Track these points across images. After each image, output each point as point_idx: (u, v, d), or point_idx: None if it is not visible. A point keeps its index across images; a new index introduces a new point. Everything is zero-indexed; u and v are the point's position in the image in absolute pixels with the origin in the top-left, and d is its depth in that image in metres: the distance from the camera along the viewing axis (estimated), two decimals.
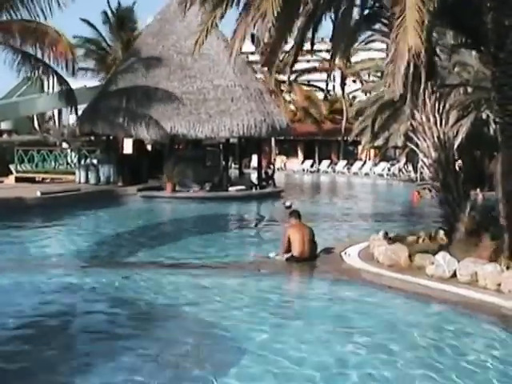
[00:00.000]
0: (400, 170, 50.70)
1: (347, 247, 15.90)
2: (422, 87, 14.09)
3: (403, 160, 46.15)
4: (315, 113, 62.06)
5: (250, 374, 8.10)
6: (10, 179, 34.02)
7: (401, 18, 11.14)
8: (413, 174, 46.13)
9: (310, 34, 15.74)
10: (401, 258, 13.53)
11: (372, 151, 57.90)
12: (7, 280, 13.41)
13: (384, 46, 42.33)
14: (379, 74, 49.79)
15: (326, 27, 15.39)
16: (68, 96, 31.63)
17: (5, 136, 48.38)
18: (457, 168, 14.73)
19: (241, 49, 14.33)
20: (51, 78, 30.47)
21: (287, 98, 60.54)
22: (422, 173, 40.55)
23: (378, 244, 14.55)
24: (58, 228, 21.96)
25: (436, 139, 14.42)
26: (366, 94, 48.22)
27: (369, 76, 61.35)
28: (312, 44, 16.41)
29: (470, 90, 27.61)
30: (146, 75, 33.95)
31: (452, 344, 9.21)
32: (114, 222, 23.95)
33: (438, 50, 16.39)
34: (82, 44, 45.47)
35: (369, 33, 21.71)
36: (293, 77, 58.94)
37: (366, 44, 53.39)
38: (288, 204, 28.39)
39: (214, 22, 14.32)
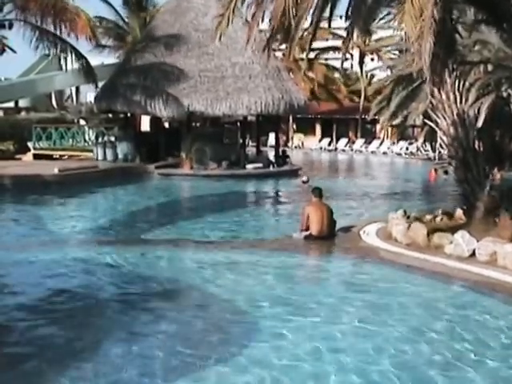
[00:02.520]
0: (418, 148, 50.46)
1: (365, 226, 15.86)
2: (441, 65, 13.95)
3: (421, 139, 45.89)
4: (333, 91, 61.80)
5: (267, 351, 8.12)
6: (28, 156, 34.15)
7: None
8: (431, 153, 45.91)
9: (328, 12, 15.61)
10: (419, 237, 13.49)
11: (390, 130, 57.57)
12: (25, 257, 13.49)
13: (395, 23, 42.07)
14: (397, 52, 49.41)
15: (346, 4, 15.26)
16: (87, 72, 31.63)
17: (23, 113, 48.48)
18: (476, 146, 14.57)
19: (258, 25, 14.23)
20: (69, 54, 30.50)
21: (305, 75, 60.13)
22: (440, 152, 40.54)
23: (397, 223, 14.47)
24: (76, 205, 22.08)
25: (456, 117, 14.30)
26: (390, 71, 47.94)
27: (385, 53, 60.82)
28: (330, 21, 16.27)
29: (490, 68, 27.35)
30: (164, 53, 33.85)
31: (473, 323, 9.19)
32: (132, 199, 24.01)
33: (458, 28, 16.22)
34: (101, 23, 45.32)
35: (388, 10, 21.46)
36: (312, 55, 58.63)
37: (385, 23, 53.07)
38: (305, 179, 28.59)
39: (235, 7, 14.22)
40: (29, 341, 8.55)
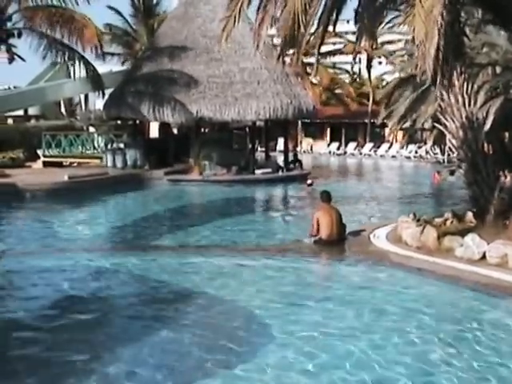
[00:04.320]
0: (427, 152, 50.37)
1: (375, 229, 15.85)
2: (450, 68, 13.95)
3: (430, 142, 45.82)
4: (342, 95, 61.82)
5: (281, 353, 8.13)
6: (38, 164, 34.25)
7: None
8: (440, 156, 45.84)
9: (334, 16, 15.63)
10: (429, 240, 13.46)
11: (399, 133, 57.48)
12: (36, 263, 13.54)
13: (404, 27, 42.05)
14: (405, 56, 49.39)
15: (352, 8, 15.29)
16: (95, 80, 31.77)
17: (32, 121, 48.62)
18: (485, 149, 14.56)
19: (267, 29, 14.26)
20: (78, 62, 30.63)
21: (313, 80, 60.16)
22: (449, 154, 40.45)
23: (406, 226, 14.46)
24: (86, 212, 22.13)
25: (465, 120, 14.30)
26: (398, 75, 47.83)
27: (395, 57, 60.80)
28: (335, 25, 16.28)
29: (498, 70, 27.33)
30: (172, 59, 33.92)
31: (485, 325, 9.17)
32: (142, 205, 24.10)
33: (466, 30, 16.23)
34: (110, 30, 45.51)
35: (394, 14, 21.46)
36: (320, 59, 58.63)
37: (391, 27, 53.12)
38: (309, 182, 28.78)
39: (241, 9, 14.25)
40: (39, 346, 8.60)
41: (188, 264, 13.43)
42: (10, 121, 48.78)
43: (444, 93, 14.47)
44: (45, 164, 34.00)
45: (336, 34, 46.37)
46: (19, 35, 29.20)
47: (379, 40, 57.38)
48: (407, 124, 40.16)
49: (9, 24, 29.16)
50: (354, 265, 13.15)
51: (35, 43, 28.79)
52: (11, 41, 29.44)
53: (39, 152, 35.34)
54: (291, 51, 32.08)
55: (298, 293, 11.01)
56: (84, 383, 7.43)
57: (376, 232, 15.47)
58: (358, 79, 68.59)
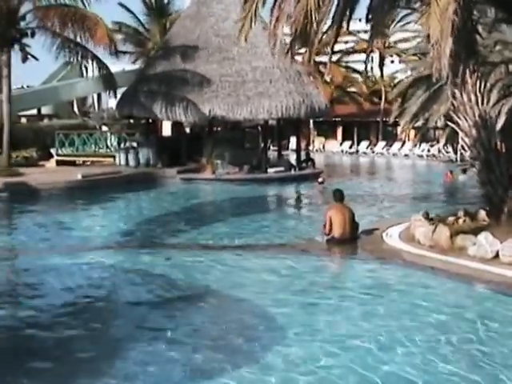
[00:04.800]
0: (440, 150, 50.24)
1: (388, 228, 15.83)
2: (464, 66, 13.94)
3: (443, 141, 45.69)
4: (354, 94, 61.77)
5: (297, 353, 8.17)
6: (51, 163, 34.37)
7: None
8: (453, 155, 45.70)
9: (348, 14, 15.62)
10: (442, 239, 13.43)
11: (411, 132, 57.35)
12: (50, 262, 13.62)
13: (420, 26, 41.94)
14: (418, 54, 49.25)
15: (364, 6, 15.29)
16: (108, 80, 31.92)
17: (45, 120, 48.79)
18: (499, 148, 14.53)
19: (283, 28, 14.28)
20: (90, 62, 30.78)
21: (326, 78, 60.10)
22: (462, 153, 40.32)
23: (419, 225, 14.45)
24: (99, 210, 22.20)
25: (478, 118, 14.28)
26: (411, 73, 47.68)
27: (406, 55, 60.64)
28: (348, 24, 16.27)
29: (511, 69, 27.25)
30: (185, 58, 33.97)
31: (498, 324, 9.18)
32: (155, 204, 24.17)
33: (479, 28, 16.20)
34: (120, 29, 45.59)
35: (406, 12, 21.47)
36: (332, 58, 58.56)
37: (403, 25, 52.97)
38: (320, 180, 28.87)
39: (256, 9, 14.27)
40: (55, 343, 8.66)
41: (200, 262, 13.48)
42: (23, 120, 48.94)
43: (457, 91, 14.46)
44: (58, 163, 34.11)
45: (350, 33, 46.32)
46: (32, 35, 29.43)
47: (391, 38, 57.48)
48: (420, 123, 40.08)
49: (22, 23, 29.38)
50: (367, 263, 13.16)
51: (48, 42, 29.03)
52: (25, 40, 29.69)
53: (52, 151, 35.47)
54: (303, 50, 32.14)
55: (310, 291, 11.03)
56: (100, 378, 7.49)
57: (389, 231, 15.46)
58: (370, 78, 68.37)
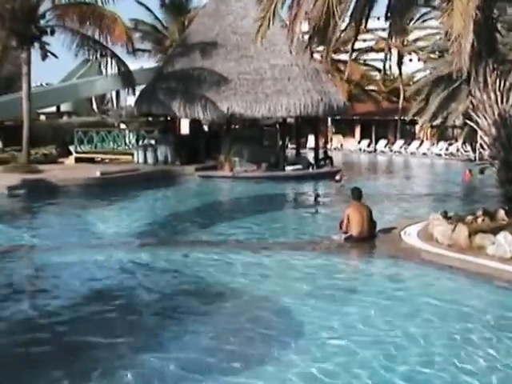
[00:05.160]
0: (458, 149, 50.01)
1: (406, 227, 15.80)
2: (484, 64, 13.89)
3: (461, 139, 45.51)
4: (372, 92, 61.59)
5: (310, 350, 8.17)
6: (70, 160, 34.52)
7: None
8: (471, 154, 45.49)
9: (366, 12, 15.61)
10: (461, 238, 13.39)
11: (430, 131, 57.15)
12: (69, 258, 13.71)
13: (439, 24, 41.81)
14: (436, 52, 49.13)
15: (383, 4, 15.28)
16: (126, 77, 32.02)
17: (65, 117, 49.07)
18: None
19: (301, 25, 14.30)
20: (109, 59, 30.89)
21: (344, 77, 59.95)
22: (480, 152, 40.18)
23: (438, 223, 14.41)
24: (118, 207, 22.29)
25: (497, 117, 14.22)
26: (429, 72, 47.53)
27: (424, 54, 60.48)
28: (366, 22, 16.25)
29: None
30: (203, 56, 34.01)
31: None
32: (173, 201, 24.24)
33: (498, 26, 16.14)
34: (139, 27, 45.70)
35: (425, 10, 21.40)
36: (350, 56, 58.46)
37: (422, 22, 52.76)
38: (337, 178, 28.88)
39: (275, 9, 14.29)
40: (74, 341, 8.71)
41: (219, 259, 13.52)
42: (42, 117, 49.25)
43: (476, 90, 14.41)
44: (77, 160, 34.26)
45: (368, 31, 46.17)
46: (52, 32, 29.57)
47: (410, 37, 57.31)
48: (438, 121, 39.97)
49: (42, 21, 29.54)
50: (385, 262, 13.16)
51: (67, 40, 29.16)
52: (44, 38, 29.83)
53: (71, 148, 35.63)
54: (321, 48, 32.07)
55: (328, 289, 11.06)
56: (129, 371, 7.58)
57: (407, 229, 15.42)
58: (388, 76, 68.17)
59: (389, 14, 14.93)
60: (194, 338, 8.80)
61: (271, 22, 14.27)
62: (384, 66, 63.99)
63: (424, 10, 37.72)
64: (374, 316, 9.57)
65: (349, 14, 15.39)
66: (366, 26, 17.16)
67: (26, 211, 21.51)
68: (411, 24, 52.33)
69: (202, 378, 7.52)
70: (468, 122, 17.67)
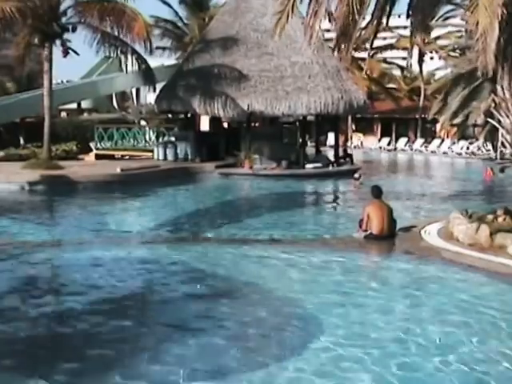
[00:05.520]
0: (479, 148, 49.74)
1: (426, 225, 15.73)
2: (509, 62, 13.78)
3: (482, 138, 45.22)
4: (394, 90, 61.43)
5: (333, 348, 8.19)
6: (91, 156, 34.70)
7: None
8: (492, 153, 45.23)
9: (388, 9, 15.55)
10: (482, 237, 13.32)
11: (450, 129, 56.84)
12: (90, 254, 13.76)
13: (462, 22, 41.56)
14: (458, 51, 48.92)
15: (404, 1, 15.21)
16: (146, 74, 32.10)
17: (85, 114, 49.27)
18: None
19: (321, 22, 14.26)
20: (130, 56, 30.99)
21: (364, 75, 59.80)
22: (501, 151, 39.94)
23: (458, 222, 14.34)
24: (138, 204, 22.39)
25: None
26: (450, 70, 47.30)
27: (446, 52, 60.23)
28: (388, 19, 16.18)
29: None
30: (223, 53, 34.05)
31: None
32: (193, 198, 24.28)
33: None
34: (159, 23, 45.79)
35: (447, 8, 21.29)
36: (371, 54, 58.35)
37: (444, 20, 52.48)
38: (356, 176, 28.84)
39: (294, 4, 14.26)
40: (95, 337, 8.75)
41: (239, 256, 13.54)
42: (63, 114, 49.49)
43: (498, 88, 14.31)
44: (97, 157, 34.43)
45: (389, 28, 46.07)
46: (73, 29, 29.70)
47: (431, 35, 57.00)
48: (459, 120, 39.73)
49: (63, 19, 29.67)
50: (405, 261, 13.08)
51: (89, 37, 29.27)
52: (66, 35, 29.97)
53: (92, 145, 35.79)
54: (342, 45, 31.96)
55: (348, 287, 11.02)
56: (146, 366, 7.61)
57: (427, 228, 15.36)
58: (409, 74, 67.90)
59: (410, 12, 14.86)
60: (213, 333, 8.79)
61: (290, 16, 14.24)
62: (407, 64, 63.76)
63: (446, 7, 37.62)
64: (393, 315, 9.55)
65: (370, 11, 15.34)
66: (387, 24, 17.10)
67: (47, 207, 21.66)
68: (432, 22, 52.09)
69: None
70: (490, 120, 17.56)
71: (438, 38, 57.93)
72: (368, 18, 16.09)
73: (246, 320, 9.39)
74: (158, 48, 43.89)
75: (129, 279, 11.65)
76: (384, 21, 15.90)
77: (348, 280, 11.58)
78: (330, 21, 33.28)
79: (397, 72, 65.58)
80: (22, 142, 36.43)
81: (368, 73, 59.74)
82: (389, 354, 7.95)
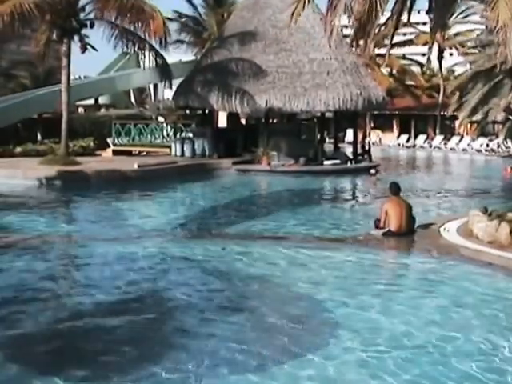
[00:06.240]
0: (499, 145, 49.37)
1: (445, 223, 15.61)
2: None
3: (502, 135, 44.92)
4: (413, 87, 61.16)
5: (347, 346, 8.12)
6: (108, 152, 34.73)
7: None
8: None
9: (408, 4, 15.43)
10: (501, 235, 13.17)
11: (470, 126, 56.52)
12: (106, 249, 13.75)
13: (481, 19, 41.28)
14: (478, 47, 48.58)
15: None
16: (164, 70, 32.09)
17: (103, 110, 49.40)
18: None
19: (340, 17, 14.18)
20: (147, 52, 31.01)
21: (383, 71, 59.58)
22: None
23: (478, 220, 14.18)
24: (155, 200, 22.39)
25: None
26: (470, 66, 47.04)
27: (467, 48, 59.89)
28: (409, 15, 16.06)
29: None
30: (241, 49, 33.98)
31: None
32: (210, 194, 24.25)
33: None
34: (179, 18, 45.79)
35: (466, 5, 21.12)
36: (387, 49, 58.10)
37: (464, 17, 52.18)
38: (373, 171, 28.81)
39: None
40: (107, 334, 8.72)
41: (255, 252, 13.49)
42: (81, 110, 49.61)
43: None
44: (114, 152, 34.46)
45: (411, 24, 45.79)
46: (91, 25, 29.73)
47: (451, 31, 56.75)
48: (479, 116, 39.48)
49: (81, 15, 29.71)
50: (424, 258, 12.97)
51: (106, 33, 29.28)
52: (84, 31, 30.01)
53: (109, 141, 35.82)
54: (361, 42, 31.85)
55: (367, 285, 10.98)
56: (163, 363, 7.55)
57: (446, 225, 15.24)
58: (428, 71, 67.60)
59: (431, 7, 14.72)
60: (230, 329, 8.74)
61: (306, 6, 14.18)
62: (428, 60, 63.50)
63: (466, 4, 37.36)
64: (412, 312, 9.45)
65: (390, 7, 15.23)
66: (408, 20, 16.97)
67: (64, 202, 21.71)
68: (452, 18, 51.83)
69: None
70: (510, 117, 17.40)
71: (457, 34, 57.60)
72: (387, 13, 15.99)
73: (261, 316, 9.35)
74: (176, 41, 43.96)
75: (147, 275, 11.64)
76: (404, 17, 15.79)
77: (365, 277, 11.53)
78: (349, 16, 33.25)
79: (415, 68, 65.27)
80: (39, 137, 36.54)
81: (387, 69, 59.52)
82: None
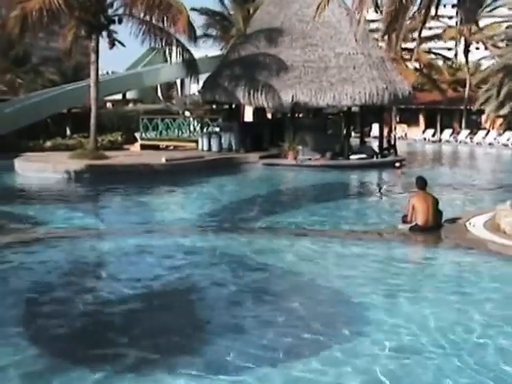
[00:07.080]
0: None
1: (472, 217, 15.62)
2: None
3: None
4: (438, 81, 60.87)
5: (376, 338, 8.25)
6: (136, 147, 35.01)
7: None
8: None
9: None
10: None
11: (496, 120, 56.18)
12: (134, 242, 13.93)
13: (509, 11, 41.07)
14: (505, 41, 48.28)
15: None
16: (190, 65, 32.25)
17: (130, 105, 49.68)
18: None
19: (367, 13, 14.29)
20: (174, 48, 31.17)
21: (409, 65, 59.34)
22: None
23: (505, 214, 14.22)
24: (183, 194, 22.59)
25: None
26: (496, 60, 46.68)
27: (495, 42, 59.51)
28: (437, 8, 16.09)
29: None
30: (268, 44, 34.05)
31: None
32: (237, 188, 24.35)
33: None
34: (205, 14, 45.92)
35: None
36: (415, 44, 57.85)
37: (491, 10, 51.92)
38: (398, 164, 28.89)
39: None
40: (131, 330, 8.86)
41: (282, 246, 13.59)
42: (109, 105, 49.94)
43: None
44: (142, 147, 34.70)
45: (438, 18, 45.59)
46: (119, 21, 29.98)
47: (478, 25, 56.38)
48: (506, 110, 39.31)
49: (110, 11, 29.96)
50: (451, 252, 13.04)
51: (134, 29, 29.50)
52: (112, 27, 30.27)
53: (137, 135, 36.09)
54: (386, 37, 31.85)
55: (395, 279, 11.00)
56: (188, 358, 7.67)
57: (473, 220, 15.24)
58: (454, 65, 67.24)
59: (459, 1, 14.77)
60: (259, 323, 8.87)
61: (330, 1, 14.30)
62: (456, 54, 63.16)
63: None
64: (441, 307, 9.52)
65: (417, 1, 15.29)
66: (436, 13, 16.98)
67: (93, 196, 21.95)
68: (479, 12, 51.51)
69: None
70: None
71: (484, 27, 57.24)
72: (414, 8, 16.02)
73: (287, 308, 9.48)
74: (204, 35, 44.16)
75: (177, 269, 11.73)
76: (432, 10, 15.83)
77: (393, 271, 11.52)
78: (376, 11, 33.23)
79: (440, 62, 64.95)
80: (68, 132, 36.93)
81: (415, 63, 59.28)
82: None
